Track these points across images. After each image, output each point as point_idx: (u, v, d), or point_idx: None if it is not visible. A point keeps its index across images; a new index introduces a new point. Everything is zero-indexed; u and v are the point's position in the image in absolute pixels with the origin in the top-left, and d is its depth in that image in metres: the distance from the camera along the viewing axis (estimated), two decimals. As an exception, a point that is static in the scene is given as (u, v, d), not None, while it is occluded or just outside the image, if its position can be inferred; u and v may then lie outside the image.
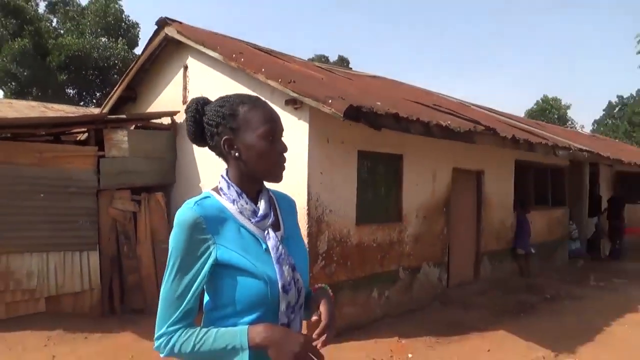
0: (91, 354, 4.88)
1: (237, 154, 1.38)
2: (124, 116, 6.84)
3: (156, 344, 1.31)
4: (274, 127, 1.40)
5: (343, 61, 37.38)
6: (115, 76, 23.46)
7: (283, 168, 1.44)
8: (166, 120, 7.00)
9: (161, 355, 1.34)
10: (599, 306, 6.91)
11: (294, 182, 5.06)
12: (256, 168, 1.39)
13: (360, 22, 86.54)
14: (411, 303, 6.45)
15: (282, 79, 4.92)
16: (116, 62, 22.80)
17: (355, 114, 4.36)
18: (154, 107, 7.43)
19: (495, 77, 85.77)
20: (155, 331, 1.32)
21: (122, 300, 6.33)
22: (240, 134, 1.37)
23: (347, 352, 4.78)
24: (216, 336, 1.27)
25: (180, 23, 6.66)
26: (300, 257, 1.45)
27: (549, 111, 42.36)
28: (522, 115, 27.64)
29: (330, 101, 4.37)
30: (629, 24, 79.03)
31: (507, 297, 7.30)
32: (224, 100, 1.42)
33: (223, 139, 1.38)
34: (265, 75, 5.09)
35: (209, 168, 6.39)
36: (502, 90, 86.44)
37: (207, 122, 1.41)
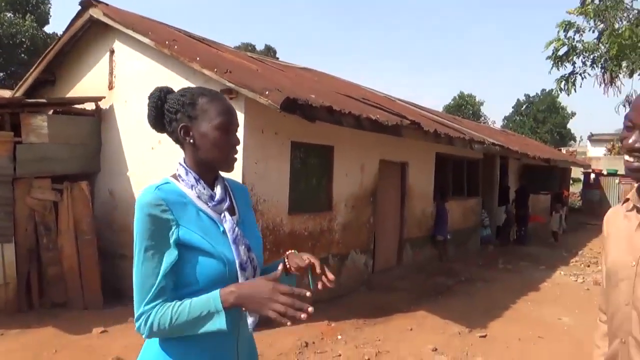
0: (11, 351, 4.64)
1: (192, 140, 1.47)
2: (43, 100, 6.45)
3: (136, 325, 1.36)
4: (229, 120, 1.50)
5: (270, 50, 37.17)
6: (23, 55, 21.67)
7: (234, 159, 1.54)
8: (90, 106, 6.69)
9: (143, 337, 1.39)
10: (506, 286, 7.63)
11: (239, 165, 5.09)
12: (209, 156, 1.48)
13: (287, 11, 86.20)
14: (340, 289, 6.73)
15: (217, 68, 4.93)
16: (23, 40, 21.06)
17: (291, 106, 4.49)
18: (76, 91, 7.06)
19: (418, 73, 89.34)
20: (135, 313, 1.37)
21: (42, 294, 6.02)
22: (197, 123, 1.46)
23: (280, 337, 4.94)
24: (191, 305, 1.34)
25: (107, 5, 6.38)
26: (255, 240, 1.56)
27: (465, 107, 45.00)
28: (440, 110, 29.16)
29: (267, 92, 4.46)
30: (537, 30, 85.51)
31: (426, 280, 7.83)
32: (186, 91, 1.52)
33: (180, 125, 1.47)
34: (201, 64, 5.06)
35: (136, 156, 6.24)
36: (423, 86, 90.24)
37: (167, 109, 1.50)
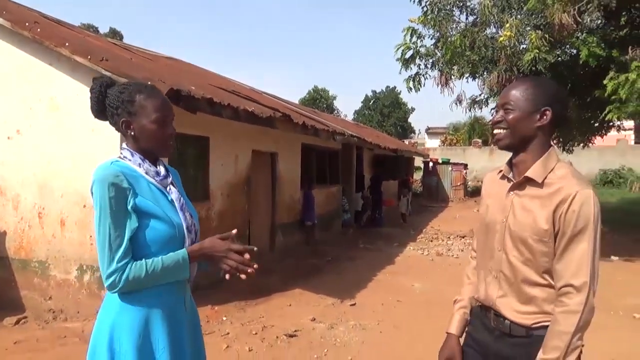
0: None
1: (132, 133, 1.69)
2: None
3: (109, 281, 1.54)
4: (165, 114, 1.72)
5: (116, 34, 34.61)
6: None
7: (170, 147, 1.77)
8: None
9: (114, 291, 1.57)
10: (368, 262, 8.56)
11: (104, 160, 4.96)
12: (148, 145, 1.71)
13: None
14: (219, 274, 6.92)
15: (91, 55, 4.77)
16: None
17: (175, 97, 4.57)
18: None
19: (273, 67, 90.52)
20: (104, 272, 1.54)
21: None
22: (136, 118, 1.67)
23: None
24: (163, 260, 1.59)
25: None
26: (192, 210, 1.83)
27: (319, 100, 47.19)
28: (296, 102, 30.28)
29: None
30: (383, 29, 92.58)
31: (298, 262, 8.40)
32: (124, 88, 1.71)
33: (122, 120, 1.68)
34: (71, 49, 4.84)
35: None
36: (278, 79, 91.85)
37: (108, 104, 1.69)
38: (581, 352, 1.60)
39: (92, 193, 1.59)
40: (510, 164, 1.74)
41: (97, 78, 1.75)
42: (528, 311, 1.62)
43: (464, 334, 1.89)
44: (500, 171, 1.78)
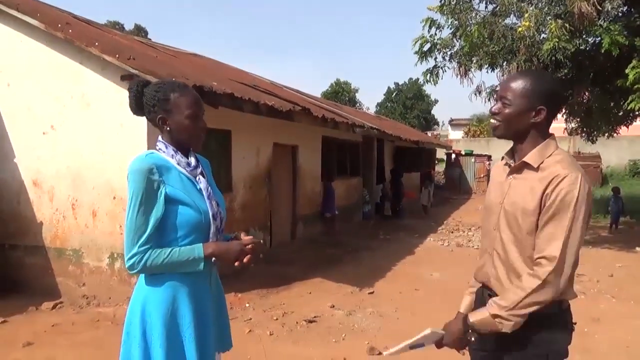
0: None
1: (168, 128, 1.87)
2: None
3: (130, 262, 1.74)
4: (197, 110, 1.89)
5: (140, 31, 35.26)
6: None
7: (202, 139, 1.95)
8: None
9: (132, 272, 1.77)
10: (387, 253, 8.69)
11: (132, 153, 5.21)
12: (182, 139, 1.89)
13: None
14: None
15: (119, 54, 5.01)
16: None
17: (198, 93, 4.76)
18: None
19: (295, 60, 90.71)
20: (126, 253, 1.74)
21: None
22: (171, 115, 1.85)
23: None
24: (180, 251, 1.77)
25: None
26: (220, 199, 2.00)
27: (341, 93, 47.11)
28: (318, 96, 30.38)
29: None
30: (405, 22, 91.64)
31: (318, 252, 8.59)
32: (159, 87, 1.88)
33: (158, 117, 1.86)
34: (100, 49, 5.09)
35: (24, 142, 5.97)
36: (300, 73, 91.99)
37: (145, 102, 1.88)
38: (573, 329, 1.70)
39: (128, 182, 1.77)
40: (511, 152, 1.86)
41: (134, 80, 1.93)
42: None
43: None
44: (503, 158, 1.91)
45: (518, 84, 1.73)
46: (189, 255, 1.78)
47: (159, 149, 1.88)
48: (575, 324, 1.76)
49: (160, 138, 1.91)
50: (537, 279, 1.61)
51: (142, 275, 1.83)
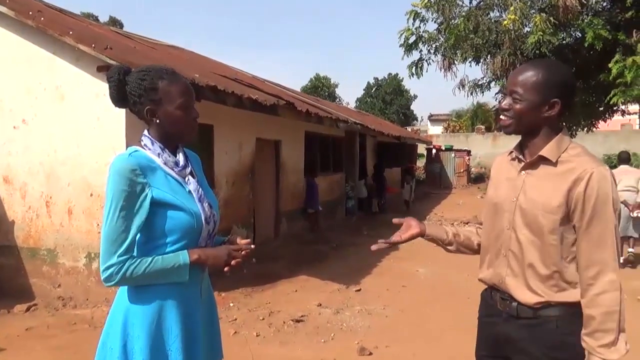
0: None
1: (158, 120, 1.67)
2: None
3: (106, 274, 1.54)
4: (189, 99, 1.71)
5: (115, 23, 34.43)
6: None
7: (195, 131, 1.77)
8: None
9: (109, 284, 1.57)
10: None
11: (110, 148, 4.99)
12: (173, 131, 1.70)
13: (135, -17, 80.00)
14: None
15: (95, 44, 4.77)
16: None
17: (179, 84, 4.57)
18: None
19: (274, 55, 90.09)
20: (102, 263, 1.55)
21: None
22: (160, 105, 1.65)
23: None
24: (163, 260, 1.59)
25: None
26: (212, 199, 1.82)
27: (321, 88, 46.96)
28: (298, 90, 30.16)
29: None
30: (382, 18, 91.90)
31: (303, 249, 8.46)
32: (145, 74, 1.67)
33: (146, 108, 1.65)
34: (75, 38, 4.84)
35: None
36: (279, 67, 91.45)
37: (130, 91, 1.66)
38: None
39: (107, 184, 1.58)
40: (519, 147, 1.74)
41: (114, 66, 1.72)
42: (535, 291, 1.61)
43: (478, 320, 1.89)
44: (511, 152, 1.78)
45: (529, 77, 1.61)
46: (173, 263, 1.60)
47: (144, 145, 1.68)
48: None
49: (146, 132, 1.71)
50: (613, 292, 1.51)
51: None
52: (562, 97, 1.60)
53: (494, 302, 1.75)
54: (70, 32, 4.91)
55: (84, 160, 5.25)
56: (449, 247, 1.96)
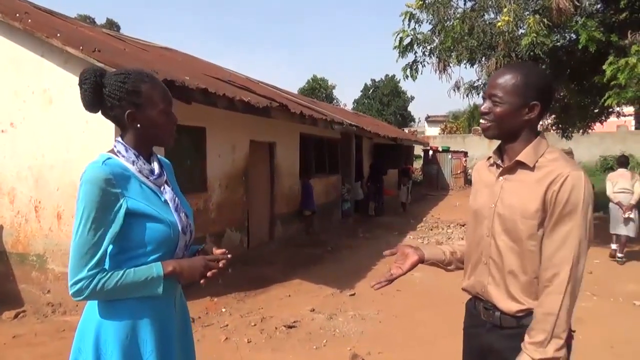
0: None
1: (138, 125, 1.60)
2: None
3: (75, 288, 1.47)
4: (170, 104, 1.67)
5: (112, 25, 34.39)
6: None
7: (174, 137, 1.72)
8: None
9: (78, 299, 1.50)
10: (367, 252, 8.54)
11: (99, 152, 4.91)
12: (153, 136, 1.65)
13: (131, -15, 79.90)
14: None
15: (84, 46, 4.70)
16: None
17: (169, 88, 4.49)
18: None
19: (271, 57, 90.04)
20: (71, 277, 1.47)
21: None
22: (143, 109, 1.59)
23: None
24: (135, 272, 1.52)
25: None
26: (187, 209, 1.77)
27: (318, 90, 46.97)
28: (295, 92, 30.12)
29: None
30: (380, 20, 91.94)
31: (298, 252, 8.39)
32: (125, 77, 1.60)
33: (127, 112, 1.58)
34: (63, 40, 4.77)
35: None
36: (276, 69, 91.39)
37: (108, 94, 1.58)
38: (572, 337, 1.58)
39: (78, 193, 1.51)
40: (499, 151, 1.73)
41: (87, 68, 1.66)
42: (517, 298, 1.60)
43: (463, 330, 1.87)
44: (489, 158, 1.77)
45: (507, 80, 1.60)
46: (146, 275, 1.53)
47: (118, 151, 1.62)
48: (574, 331, 1.63)
49: (119, 138, 1.65)
50: (558, 295, 1.49)
51: None
52: (541, 99, 1.60)
53: (478, 312, 1.73)
54: (58, 34, 4.84)
55: (73, 164, 5.18)
56: (448, 267, 1.93)
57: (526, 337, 1.52)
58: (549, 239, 1.53)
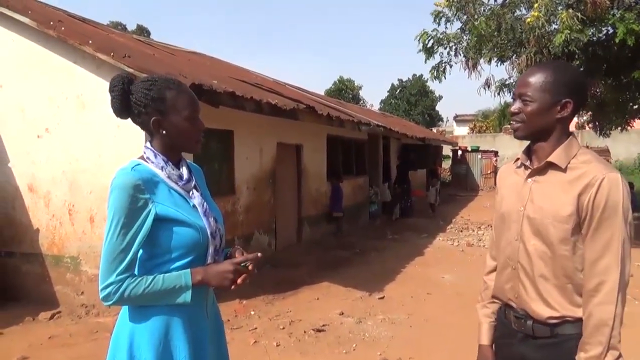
0: None
1: (164, 131, 1.61)
2: None
3: (104, 292, 1.49)
4: (195, 109, 1.66)
5: (143, 31, 35.15)
6: None
7: (201, 142, 1.71)
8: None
9: (108, 303, 1.52)
10: (396, 254, 8.44)
11: (130, 156, 4.99)
12: (179, 143, 1.65)
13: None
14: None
15: (114, 52, 4.78)
16: None
17: (197, 92, 4.52)
18: None
19: (299, 59, 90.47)
20: (101, 282, 1.49)
21: None
22: (167, 116, 1.60)
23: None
24: (164, 279, 1.52)
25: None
26: (217, 213, 1.76)
27: (345, 91, 46.86)
28: (322, 94, 30.11)
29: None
30: (407, 19, 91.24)
31: (325, 254, 8.35)
32: (151, 84, 1.61)
33: (152, 119, 1.59)
34: (94, 47, 4.86)
35: (18, 146, 5.76)
36: (304, 71, 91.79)
37: (135, 101, 1.60)
38: (620, 355, 1.49)
39: (109, 199, 1.53)
40: (527, 152, 1.67)
41: (117, 75, 1.67)
42: (549, 303, 1.52)
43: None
44: (517, 160, 1.71)
45: (538, 78, 1.54)
46: (175, 284, 1.53)
47: (147, 157, 1.62)
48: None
49: (148, 145, 1.65)
50: (609, 305, 1.41)
51: None
52: (573, 96, 1.53)
53: (508, 322, 1.66)
54: (90, 41, 4.94)
55: (104, 169, 5.27)
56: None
57: (581, 353, 1.45)
58: (590, 247, 1.46)
